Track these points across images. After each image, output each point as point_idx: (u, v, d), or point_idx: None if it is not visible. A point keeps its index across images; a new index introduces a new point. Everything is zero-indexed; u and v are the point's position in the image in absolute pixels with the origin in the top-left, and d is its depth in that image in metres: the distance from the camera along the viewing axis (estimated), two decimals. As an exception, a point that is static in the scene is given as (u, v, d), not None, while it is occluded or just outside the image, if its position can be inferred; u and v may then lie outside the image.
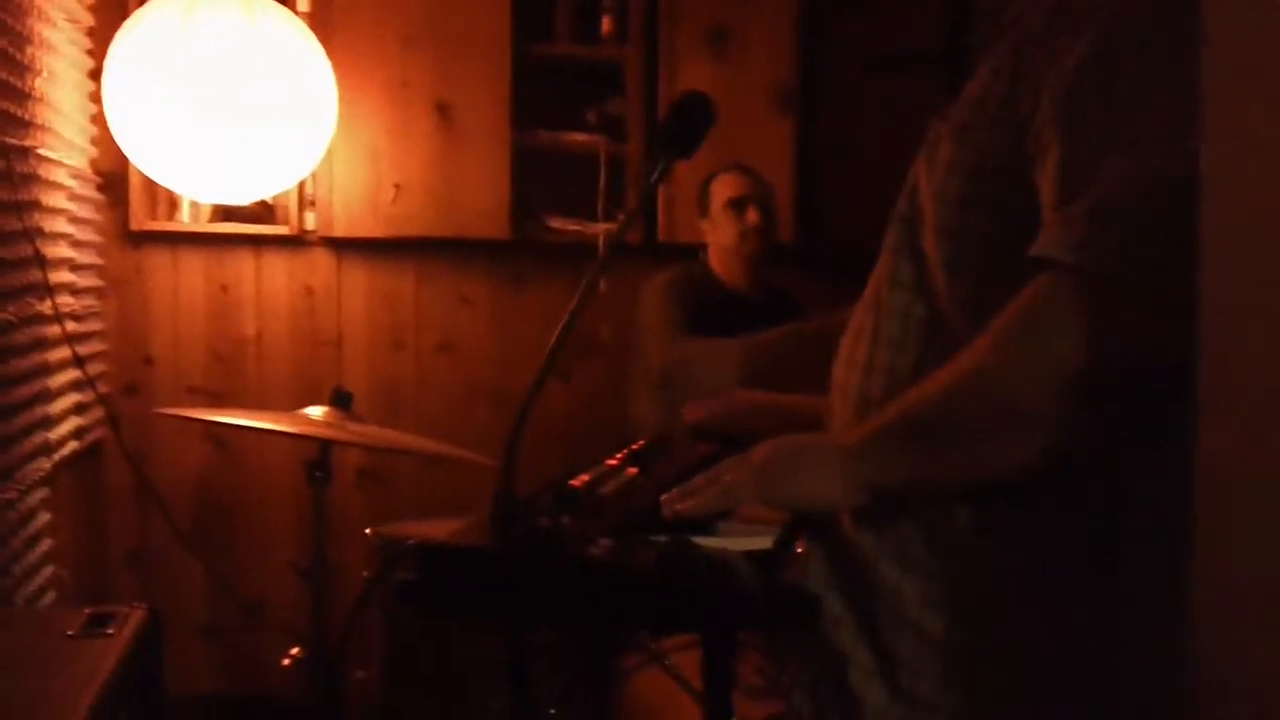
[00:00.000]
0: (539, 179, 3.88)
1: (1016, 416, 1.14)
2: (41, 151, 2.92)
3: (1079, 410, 1.12)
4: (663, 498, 1.37)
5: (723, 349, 1.70)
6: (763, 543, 1.36)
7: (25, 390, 2.77)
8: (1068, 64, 1.16)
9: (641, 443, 1.75)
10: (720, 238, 3.43)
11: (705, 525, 1.39)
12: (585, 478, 1.57)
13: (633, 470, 1.65)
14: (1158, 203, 1.06)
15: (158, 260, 3.80)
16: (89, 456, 3.51)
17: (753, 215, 3.37)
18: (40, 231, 2.86)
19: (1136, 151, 1.09)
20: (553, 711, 2.63)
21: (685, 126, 1.55)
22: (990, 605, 1.25)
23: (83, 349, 3.19)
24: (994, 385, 1.15)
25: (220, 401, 3.82)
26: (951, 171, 1.28)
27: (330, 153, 3.56)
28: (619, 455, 1.72)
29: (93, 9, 3.49)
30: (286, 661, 2.84)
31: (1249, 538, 0.83)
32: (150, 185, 3.64)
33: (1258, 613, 0.82)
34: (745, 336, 1.73)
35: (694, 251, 3.57)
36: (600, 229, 3.86)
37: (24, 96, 2.78)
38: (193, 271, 3.82)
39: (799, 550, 1.42)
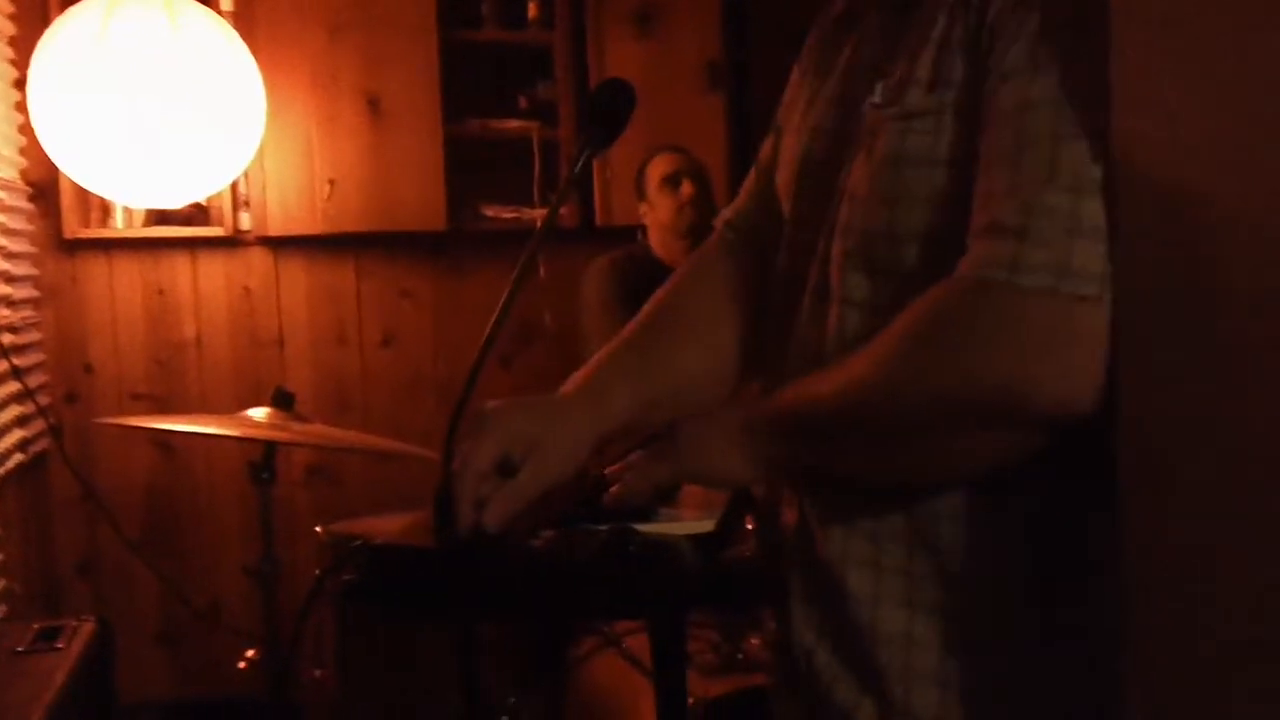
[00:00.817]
0: (473, 167, 3.88)
1: (905, 435, 1.09)
2: (-32, 165, 2.88)
3: (977, 431, 1.05)
4: (604, 497, 1.36)
5: (569, 411, 1.63)
6: (704, 526, 1.37)
7: (-37, 406, 2.75)
8: (1028, 48, 1.04)
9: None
10: (658, 216, 3.45)
11: (646, 512, 1.39)
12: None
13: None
14: (1091, 210, 0.97)
15: (93, 267, 3.76)
16: (34, 468, 3.48)
17: (687, 188, 3.39)
18: (-29, 246, 2.83)
19: (1077, 158, 0.99)
20: (512, 699, 2.64)
21: (605, 115, 1.56)
22: (1018, 640, 1.13)
23: (21, 361, 3.16)
24: (892, 392, 1.07)
25: (163, 406, 3.79)
26: (901, 165, 1.13)
27: (262, 151, 3.53)
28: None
29: (13, 18, 3.44)
30: (242, 664, 2.84)
31: (1176, 544, 0.84)
32: (82, 193, 3.60)
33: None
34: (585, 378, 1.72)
35: (632, 234, 3.59)
36: (537, 214, 3.87)
37: (-54, 110, 2.75)
38: (129, 277, 3.79)
39: (749, 526, 1.42)
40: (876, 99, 1.17)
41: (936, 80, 1.11)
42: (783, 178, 1.36)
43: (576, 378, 1.43)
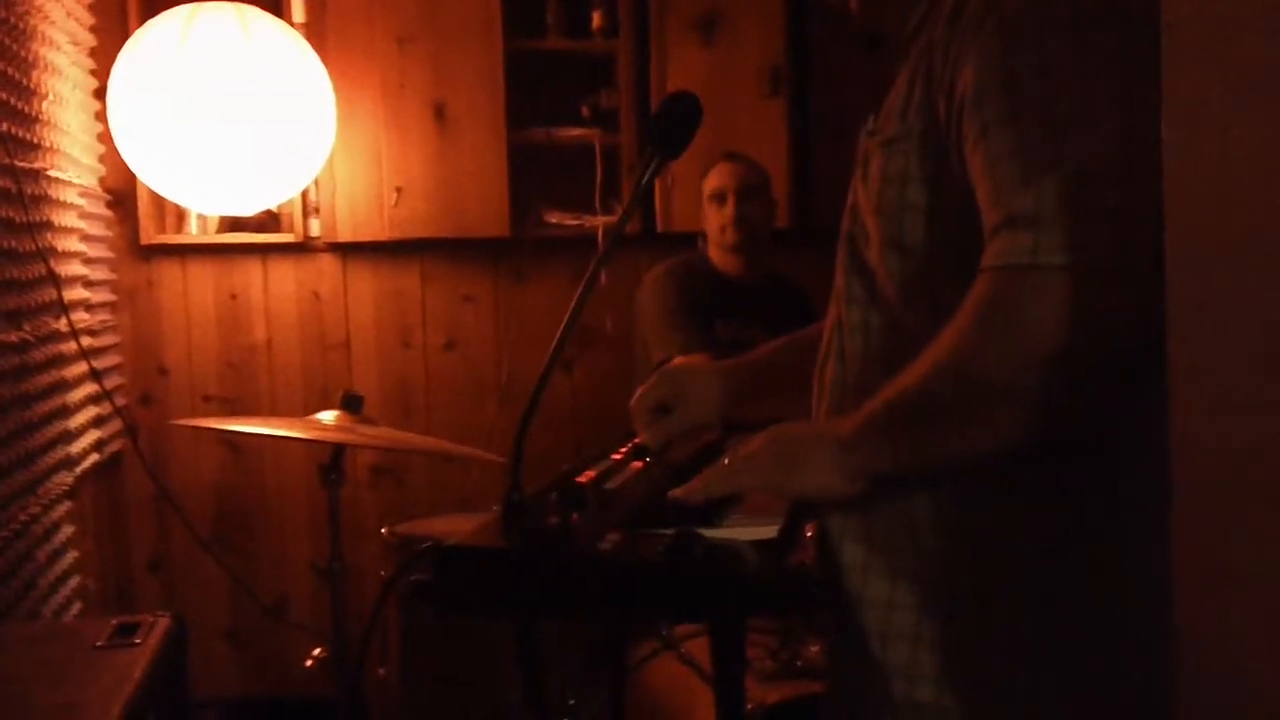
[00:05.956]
0: (536, 174, 3.91)
1: (992, 396, 1.16)
2: (51, 173, 2.97)
3: (1059, 391, 1.14)
4: (671, 492, 1.40)
5: (704, 378, 1.74)
6: (768, 532, 1.39)
7: (45, 407, 2.83)
8: (974, 64, 1.18)
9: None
10: (709, 228, 3.47)
11: (711, 517, 1.42)
12: (591, 474, 1.61)
13: (638, 464, 1.69)
14: (1093, 187, 1.10)
15: (168, 272, 3.86)
16: (109, 467, 3.57)
17: (730, 207, 3.38)
18: (53, 251, 2.92)
19: (1059, 139, 1.12)
20: (572, 701, 2.68)
21: (672, 128, 1.59)
22: (985, 601, 1.27)
23: (99, 363, 3.25)
24: (967, 366, 1.17)
25: (234, 408, 3.87)
26: (885, 184, 1.30)
27: (331, 159, 3.61)
28: (624, 449, 1.76)
29: (94, 30, 3.54)
30: (309, 662, 2.88)
31: (1227, 517, 0.85)
32: (158, 200, 3.70)
33: (1239, 593, 0.83)
34: (727, 362, 1.77)
35: (692, 240, 3.60)
36: (598, 221, 3.89)
37: (32, 120, 2.83)
38: (202, 282, 3.87)
39: (809, 534, 1.44)
40: (870, 128, 1.37)
41: (906, 108, 1.28)
42: None
43: (748, 354, 1.76)
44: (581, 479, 1.57)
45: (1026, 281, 1.13)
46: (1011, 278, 1.14)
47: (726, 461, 1.37)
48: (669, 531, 1.32)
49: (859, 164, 1.38)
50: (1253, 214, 0.81)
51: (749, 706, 2.13)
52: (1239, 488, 0.84)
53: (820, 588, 1.40)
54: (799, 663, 2.31)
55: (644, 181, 1.55)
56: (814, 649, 2.32)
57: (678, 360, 3.07)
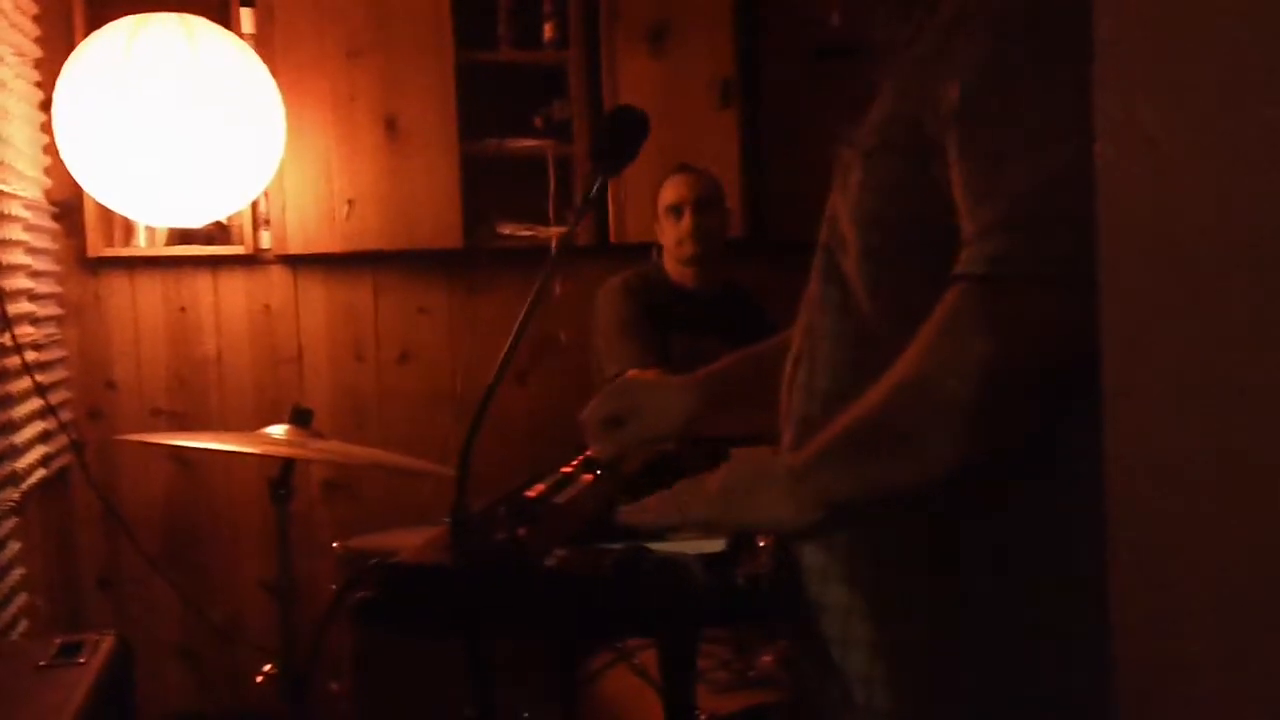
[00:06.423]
0: (489, 186, 3.91)
1: (949, 417, 1.17)
2: (-5, 186, 2.94)
3: (1013, 407, 1.16)
4: (621, 509, 1.39)
5: (660, 391, 1.74)
6: (716, 545, 1.39)
7: (-12, 423, 2.80)
8: (963, 78, 1.20)
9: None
10: (665, 241, 3.48)
11: (658, 532, 1.42)
12: (541, 487, 1.61)
13: (588, 476, 1.69)
14: (1064, 200, 1.10)
15: (116, 285, 3.81)
16: (56, 483, 3.52)
17: (687, 221, 3.39)
18: (-3, 265, 2.88)
19: (1037, 154, 1.13)
20: (526, 715, 2.67)
21: (617, 141, 1.59)
22: (938, 609, 1.29)
23: (45, 377, 3.21)
24: (924, 389, 1.18)
25: (183, 422, 3.84)
26: (866, 194, 1.31)
27: (281, 171, 3.59)
28: (574, 462, 1.76)
29: (40, 42, 3.50)
30: (260, 678, 2.86)
31: (1159, 529, 0.86)
32: (105, 212, 3.65)
33: (1175, 604, 0.85)
34: (691, 374, 1.76)
35: (646, 251, 3.61)
36: (552, 232, 3.90)
37: (-27, 134, 2.80)
38: (151, 295, 3.84)
39: (762, 544, 1.44)
40: (850, 141, 1.37)
41: (890, 120, 1.30)
42: None
43: (707, 368, 1.75)
44: (531, 493, 1.57)
45: (993, 290, 1.15)
46: (977, 287, 1.16)
47: (676, 490, 1.35)
48: (617, 546, 1.32)
49: (838, 175, 1.39)
50: (1183, 229, 0.82)
51: (702, 717, 2.13)
52: (1171, 500, 0.85)
53: (772, 599, 1.40)
54: (751, 673, 2.32)
55: (592, 194, 1.56)
56: (767, 659, 2.32)
57: (631, 374, 3.07)
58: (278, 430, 2.75)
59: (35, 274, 3.32)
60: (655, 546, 1.34)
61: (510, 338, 1.49)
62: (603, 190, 1.58)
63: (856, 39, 1.45)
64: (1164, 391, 0.86)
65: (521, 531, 1.39)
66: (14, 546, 2.93)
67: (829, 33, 1.54)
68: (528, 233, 3.95)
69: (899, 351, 1.22)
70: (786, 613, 1.41)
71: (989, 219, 1.16)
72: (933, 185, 1.23)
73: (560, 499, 1.56)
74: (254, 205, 3.74)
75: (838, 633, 1.33)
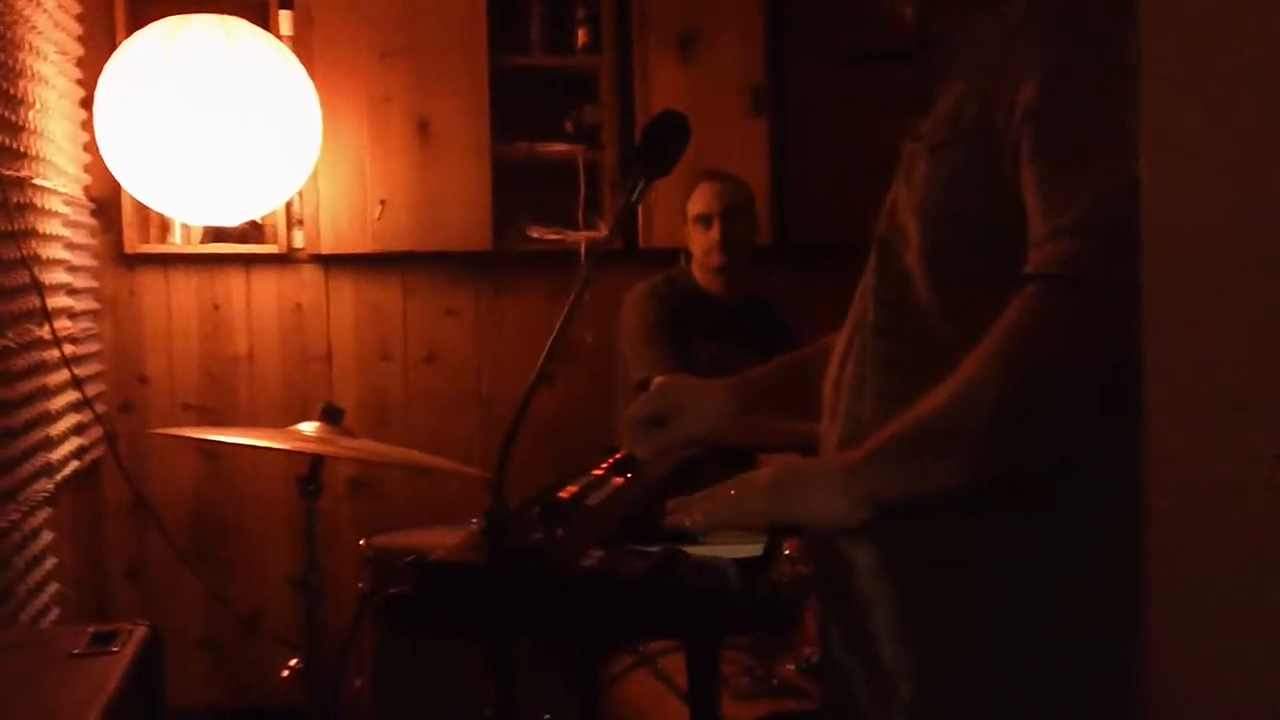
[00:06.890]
0: (518, 189, 3.93)
1: (1010, 423, 1.17)
2: (36, 181, 2.98)
3: (1075, 414, 1.16)
4: (669, 504, 1.40)
5: (703, 393, 1.75)
6: (752, 550, 1.39)
7: (26, 414, 2.84)
8: (1039, 77, 1.20)
9: (625, 451, 1.80)
10: (693, 248, 3.48)
11: (693, 535, 1.42)
12: (573, 489, 1.61)
13: (618, 479, 1.70)
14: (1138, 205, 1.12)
15: (151, 281, 3.86)
16: (89, 475, 3.56)
17: (715, 231, 3.38)
18: (37, 258, 2.92)
19: (1113, 157, 1.13)
20: (547, 717, 2.68)
21: (659, 147, 1.60)
22: (985, 609, 1.30)
23: (80, 371, 3.25)
24: (987, 394, 1.18)
25: (214, 417, 3.87)
26: (931, 188, 1.32)
27: (316, 171, 3.62)
28: (604, 464, 1.77)
29: (82, 40, 3.55)
30: (285, 673, 2.88)
31: (1199, 543, 0.87)
32: (142, 209, 3.70)
33: (1210, 620, 0.85)
34: (732, 378, 1.77)
35: (674, 256, 3.62)
36: (580, 236, 3.91)
37: (18, 129, 2.84)
38: (185, 291, 3.88)
39: (787, 551, 1.45)
40: (915, 135, 1.37)
41: (959, 114, 1.29)
42: None
43: (747, 372, 1.78)
44: (563, 494, 1.58)
45: (1066, 291, 1.15)
46: (1050, 287, 1.16)
47: (732, 491, 1.36)
48: (652, 549, 1.33)
49: (901, 168, 1.39)
50: (1224, 244, 0.83)
51: (724, 723, 2.14)
52: (1210, 521, 0.86)
53: (796, 607, 1.41)
54: (774, 681, 2.32)
55: (633, 201, 1.57)
56: (789, 667, 2.33)
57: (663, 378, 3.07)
58: (309, 427, 2.78)
59: (73, 269, 3.37)
60: (692, 550, 1.35)
61: (547, 343, 1.50)
62: (642, 198, 1.59)
63: (891, 45, 1.46)
64: (1204, 401, 0.86)
65: (560, 532, 1.39)
66: (46, 537, 2.97)
67: (867, 37, 1.54)
68: (556, 236, 3.97)
69: (956, 348, 1.22)
70: (823, 614, 1.42)
71: (1064, 220, 1.16)
72: (1000, 180, 1.23)
73: (592, 501, 1.57)
74: (288, 205, 3.78)
75: (889, 630, 1.34)
